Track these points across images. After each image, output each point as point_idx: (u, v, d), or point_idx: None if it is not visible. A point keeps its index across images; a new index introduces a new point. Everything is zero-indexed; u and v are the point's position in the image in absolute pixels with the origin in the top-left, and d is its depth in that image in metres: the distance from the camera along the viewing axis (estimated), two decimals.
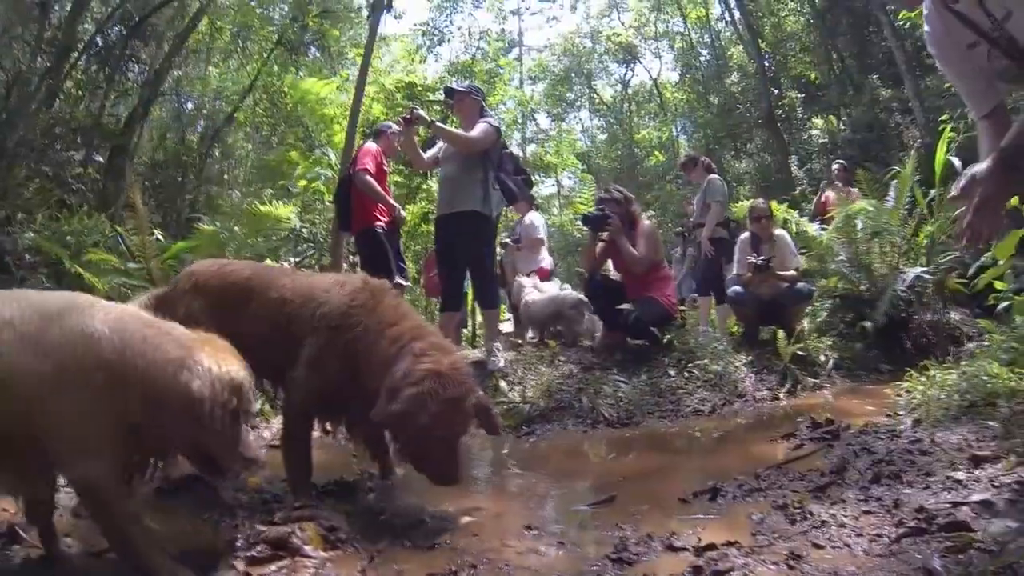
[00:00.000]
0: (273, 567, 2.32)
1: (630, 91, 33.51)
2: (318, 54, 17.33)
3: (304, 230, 11.00)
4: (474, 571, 2.39)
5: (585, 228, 7.13)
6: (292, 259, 9.68)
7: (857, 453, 3.32)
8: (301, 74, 15.47)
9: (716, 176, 8.46)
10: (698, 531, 2.63)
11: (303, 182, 11.73)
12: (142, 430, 2.13)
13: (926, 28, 2.54)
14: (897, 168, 8.21)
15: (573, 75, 33.91)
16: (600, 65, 34.27)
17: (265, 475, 3.29)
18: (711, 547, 2.38)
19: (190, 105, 18.07)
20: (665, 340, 6.18)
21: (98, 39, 13.23)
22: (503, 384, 5.59)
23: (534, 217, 9.38)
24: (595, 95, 34.30)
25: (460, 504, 3.20)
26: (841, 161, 11.24)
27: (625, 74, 33.70)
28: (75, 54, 12.48)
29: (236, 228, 6.84)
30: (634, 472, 3.94)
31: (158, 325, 2.27)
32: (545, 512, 3.20)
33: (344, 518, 2.75)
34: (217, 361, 2.24)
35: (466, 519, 3.03)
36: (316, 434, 3.98)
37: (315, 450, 3.30)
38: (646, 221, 6.78)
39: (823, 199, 10.32)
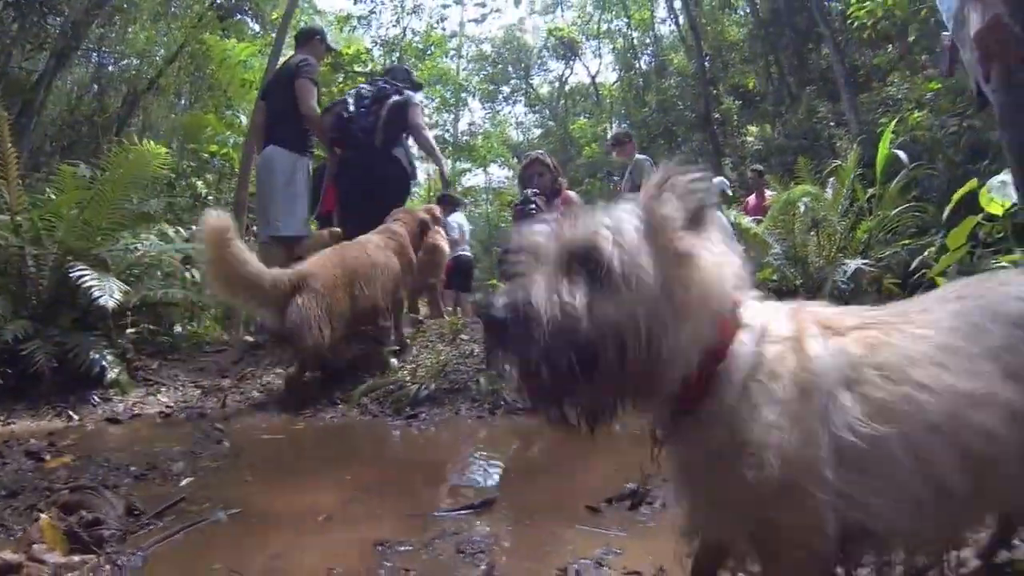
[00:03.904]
0: None
1: (567, 88, 33.09)
2: (250, 22, 16.30)
3: (211, 198, 10.56)
4: None
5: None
6: (195, 227, 8.88)
7: None
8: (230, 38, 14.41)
9: (645, 156, 8.05)
10: (610, 553, 1.83)
11: (214, 147, 10.98)
12: None
13: None
14: (838, 161, 7.97)
15: (511, 68, 33.36)
16: (538, 60, 33.76)
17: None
18: None
19: (111, 68, 16.64)
20: None
21: None
22: (393, 361, 4.86)
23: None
24: (531, 90, 33.85)
25: (292, 499, 2.50)
26: (757, 167, 11.34)
27: (564, 71, 33.29)
28: None
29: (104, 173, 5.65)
30: (532, 469, 3.12)
31: None
32: (398, 518, 2.32)
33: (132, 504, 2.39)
34: None
35: (283, 520, 2.31)
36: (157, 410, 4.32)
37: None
38: (572, 193, 6.06)
39: (744, 203, 10.25)
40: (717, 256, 1.15)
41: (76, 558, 1.97)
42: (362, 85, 6.23)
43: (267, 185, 6.05)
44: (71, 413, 4.11)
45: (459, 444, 3.62)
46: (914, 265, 6.36)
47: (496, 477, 2.91)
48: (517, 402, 4.14)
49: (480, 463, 3.19)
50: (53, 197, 5.09)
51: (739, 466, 1.13)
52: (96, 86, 15.70)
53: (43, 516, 2.14)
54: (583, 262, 1.08)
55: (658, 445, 1.27)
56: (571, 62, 32.68)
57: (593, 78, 31.73)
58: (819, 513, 1.15)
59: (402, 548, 1.98)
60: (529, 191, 5.70)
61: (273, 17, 15.25)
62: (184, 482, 2.78)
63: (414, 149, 6.59)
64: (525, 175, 6.08)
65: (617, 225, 1.11)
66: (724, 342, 1.18)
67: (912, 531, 1.21)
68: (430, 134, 6.38)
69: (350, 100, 5.95)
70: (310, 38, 6.40)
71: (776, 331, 1.21)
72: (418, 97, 6.30)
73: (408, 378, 4.54)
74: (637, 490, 2.36)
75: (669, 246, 1.11)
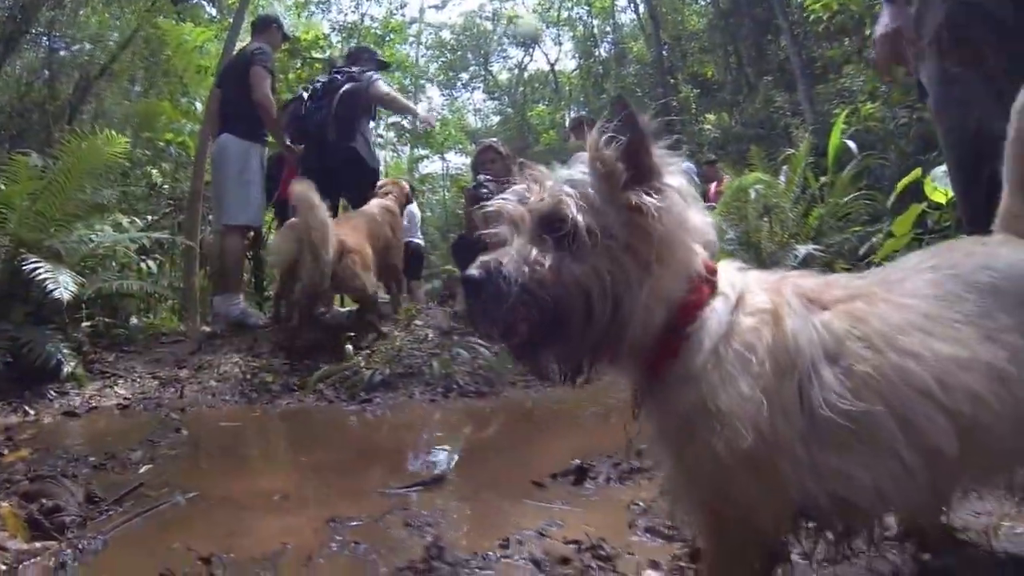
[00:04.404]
0: None
1: (526, 75, 33.13)
2: (207, 6, 15.92)
3: (166, 187, 10.41)
4: None
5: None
6: (150, 217, 9.00)
7: None
8: (186, 22, 14.05)
9: None
10: (552, 525, 1.94)
11: (169, 135, 10.83)
12: None
13: None
14: (791, 150, 8.15)
15: (470, 55, 33.30)
16: (498, 47, 33.73)
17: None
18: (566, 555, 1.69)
19: (63, 52, 16.12)
20: None
21: None
22: (348, 347, 4.89)
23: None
24: (490, 77, 33.84)
25: (248, 482, 2.59)
26: (710, 157, 11.77)
27: (523, 58, 33.29)
28: None
29: (57, 163, 5.56)
30: (482, 449, 3.23)
31: None
32: (350, 496, 2.41)
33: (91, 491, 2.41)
34: None
35: (239, 502, 2.39)
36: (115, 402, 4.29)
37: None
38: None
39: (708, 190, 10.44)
40: (676, 206, 1.17)
41: (38, 544, 2.01)
42: (318, 77, 6.24)
43: (221, 174, 6.03)
44: (27, 408, 4.07)
45: (413, 426, 3.70)
46: (863, 250, 6.56)
47: (447, 457, 3.01)
48: (469, 385, 4.24)
49: (433, 444, 3.31)
50: (3, 188, 5.01)
51: (705, 433, 1.14)
52: (47, 72, 15.28)
53: (4, 505, 2.17)
54: (551, 227, 1.15)
55: (637, 407, 1.30)
56: (530, 49, 32.71)
57: (552, 65, 31.80)
58: (779, 492, 1.18)
59: (353, 523, 2.06)
60: (481, 176, 5.82)
61: (230, 1, 14.99)
62: (142, 470, 2.80)
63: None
64: (478, 162, 6.17)
65: (580, 187, 1.16)
66: (695, 304, 1.20)
67: (903, 499, 1.23)
68: (398, 94, 6.33)
69: (305, 95, 6.03)
70: (267, 26, 6.38)
71: (754, 302, 1.22)
72: (374, 74, 6.22)
73: (363, 364, 4.59)
74: (582, 466, 2.46)
75: (622, 201, 1.15)
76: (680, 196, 1.18)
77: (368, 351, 4.88)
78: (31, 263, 4.38)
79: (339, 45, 15.62)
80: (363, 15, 20.76)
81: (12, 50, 13.14)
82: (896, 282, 1.31)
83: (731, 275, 1.26)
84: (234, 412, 4.02)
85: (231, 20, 10.78)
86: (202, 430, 3.59)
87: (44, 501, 2.25)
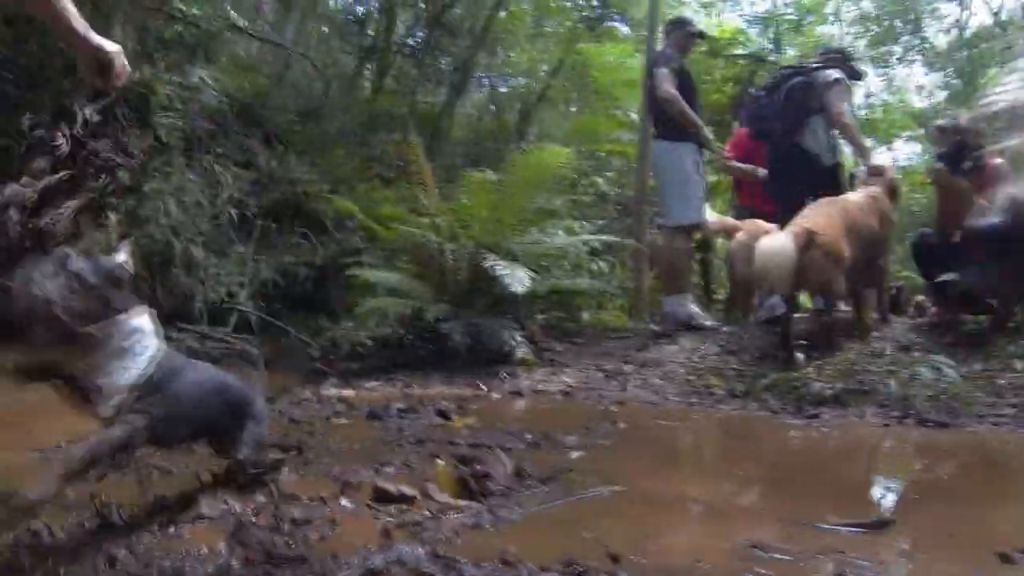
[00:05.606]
0: (392, 506, 2.17)
1: (967, 35, 27.05)
2: (620, 26, 16.85)
3: (612, 193, 11.06)
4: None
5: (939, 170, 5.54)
6: (599, 221, 9.58)
7: None
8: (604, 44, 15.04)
9: None
10: None
11: (609, 145, 11.63)
12: None
13: None
14: None
15: (898, 23, 28.45)
16: (928, 6, 27.96)
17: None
18: None
19: (503, 88, 18.51)
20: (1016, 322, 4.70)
21: (408, 40, 14.26)
22: (799, 356, 4.56)
23: None
24: (927, 45, 28.40)
25: (674, 485, 2.56)
26: None
27: (961, 14, 27.21)
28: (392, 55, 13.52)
29: (509, 177, 6.21)
30: (934, 493, 2.65)
31: None
32: (777, 521, 2.12)
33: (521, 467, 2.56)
34: None
35: (661, 505, 2.34)
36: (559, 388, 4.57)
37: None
38: (998, 161, 4.98)
39: None
40: None
41: (462, 502, 2.24)
42: (784, 68, 6.25)
43: (659, 176, 6.45)
44: (479, 384, 4.54)
45: (859, 452, 3.27)
46: None
47: (893, 496, 2.56)
48: (929, 412, 3.58)
49: (877, 476, 2.86)
50: (465, 202, 5.78)
51: None
52: (492, 106, 17.55)
53: (441, 462, 2.55)
54: None
55: None
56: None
57: (996, 14, 25.00)
58: None
59: (777, 555, 1.81)
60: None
61: (639, 16, 15.57)
62: (574, 455, 2.91)
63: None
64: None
65: None
66: None
67: None
68: (848, 117, 5.78)
69: (762, 92, 6.13)
70: (671, 29, 6.53)
71: None
72: (835, 75, 5.73)
73: (813, 375, 4.24)
74: None
75: None
76: None
77: (819, 362, 4.48)
78: (491, 262, 5.00)
79: (758, 38, 15.17)
80: (775, 1, 19.45)
81: (460, 94, 15.45)
82: None
83: None
84: (673, 411, 3.99)
85: (643, 34, 11.19)
86: (638, 425, 3.60)
87: (476, 467, 2.49)
